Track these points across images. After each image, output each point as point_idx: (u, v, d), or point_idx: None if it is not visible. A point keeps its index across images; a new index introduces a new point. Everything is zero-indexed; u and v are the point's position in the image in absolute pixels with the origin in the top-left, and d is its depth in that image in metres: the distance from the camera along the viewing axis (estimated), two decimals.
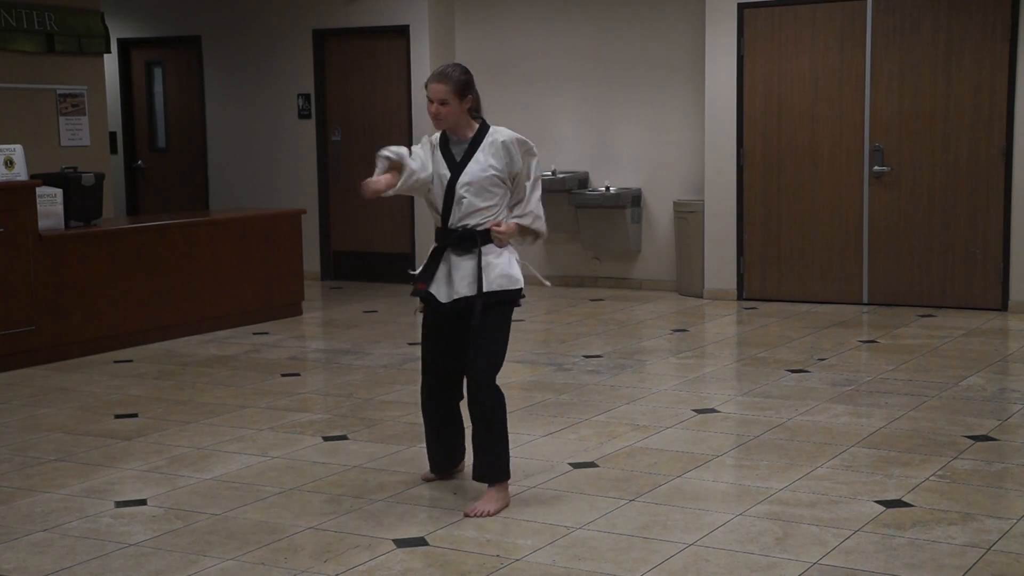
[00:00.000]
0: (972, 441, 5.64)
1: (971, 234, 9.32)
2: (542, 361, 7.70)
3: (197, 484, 5.18)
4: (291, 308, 9.70)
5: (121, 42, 12.72)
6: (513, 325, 4.88)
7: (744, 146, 9.98)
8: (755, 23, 9.86)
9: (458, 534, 4.48)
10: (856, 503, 4.75)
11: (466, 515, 4.67)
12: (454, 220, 4.77)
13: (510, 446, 4.90)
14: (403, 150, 4.80)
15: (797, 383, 6.92)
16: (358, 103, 11.72)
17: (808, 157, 9.79)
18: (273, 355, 8.10)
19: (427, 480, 5.15)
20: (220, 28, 12.25)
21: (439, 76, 4.72)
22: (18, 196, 7.67)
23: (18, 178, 7.75)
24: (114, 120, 12.67)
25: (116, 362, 7.92)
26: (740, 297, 10.12)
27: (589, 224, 10.77)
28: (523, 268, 4.85)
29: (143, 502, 4.94)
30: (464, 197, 4.73)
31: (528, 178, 4.80)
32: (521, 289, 4.81)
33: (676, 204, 10.46)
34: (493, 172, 4.72)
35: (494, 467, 4.78)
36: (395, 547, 4.35)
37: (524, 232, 4.87)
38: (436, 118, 4.73)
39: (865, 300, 9.71)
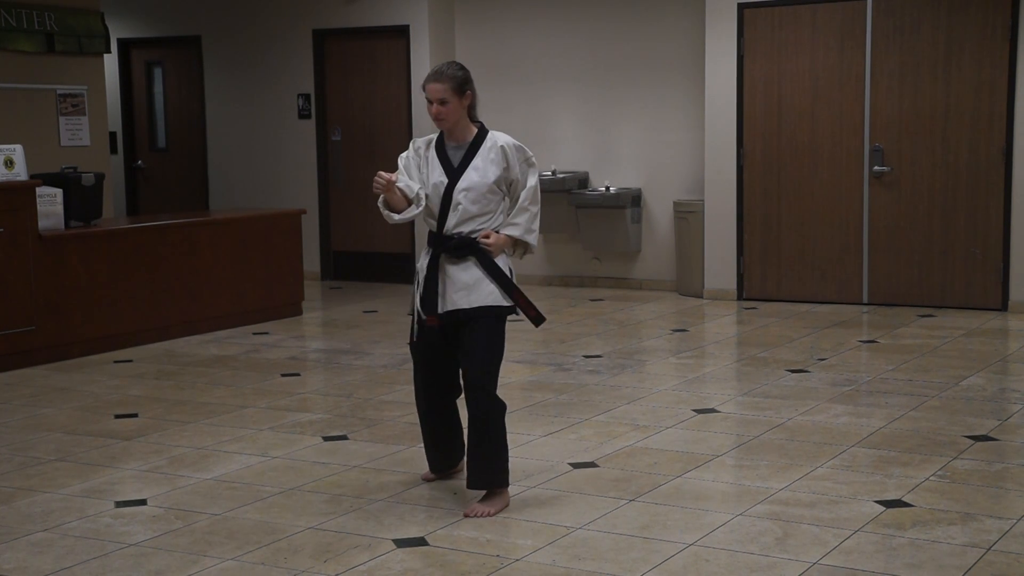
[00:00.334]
0: (972, 441, 5.63)
1: (971, 234, 9.32)
2: (542, 361, 7.69)
3: (197, 484, 5.18)
4: (291, 308, 9.70)
5: (121, 42, 12.72)
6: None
7: (744, 146, 9.98)
8: (755, 23, 9.86)
9: (458, 534, 4.48)
10: (856, 503, 4.75)
11: (466, 515, 4.66)
12: (449, 226, 4.71)
13: (510, 447, 4.89)
14: (415, 187, 4.70)
15: (797, 383, 6.92)
16: (358, 103, 11.71)
17: (808, 157, 9.79)
18: (273, 355, 8.10)
19: (427, 480, 5.14)
20: (220, 28, 12.24)
21: (436, 75, 4.67)
22: (18, 196, 7.67)
23: (18, 178, 7.75)
24: (114, 120, 12.68)
25: (116, 362, 7.92)
26: (740, 297, 10.12)
27: (589, 224, 10.77)
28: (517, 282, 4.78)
29: (143, 502, 4.94)
30: (461, 203, 4.67)
31: (524, 188, 4.74)
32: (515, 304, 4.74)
33: (676, 204, 10.46)
34: (493, 179, 4.68)
35: (488, 476, 4.72)
36: (395, 547, 4.35)
37: (515, 244, 4.79)
38: (438, 119, 4.68)
39: (865, 300, 9.71)
